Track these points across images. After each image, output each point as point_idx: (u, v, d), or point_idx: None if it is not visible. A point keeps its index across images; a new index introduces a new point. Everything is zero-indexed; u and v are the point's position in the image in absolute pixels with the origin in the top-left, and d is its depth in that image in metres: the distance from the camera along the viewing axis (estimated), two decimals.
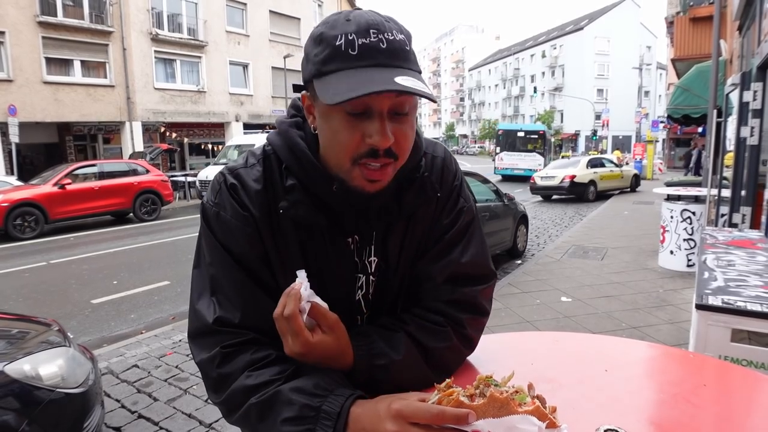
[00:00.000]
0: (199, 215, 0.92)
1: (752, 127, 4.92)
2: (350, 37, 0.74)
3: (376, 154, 0.76)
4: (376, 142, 0.75)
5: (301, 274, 0.78)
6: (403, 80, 0.73)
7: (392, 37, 0.75)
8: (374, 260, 0.92)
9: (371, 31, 0.74)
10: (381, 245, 0.92)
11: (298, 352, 0.77)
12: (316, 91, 0.77)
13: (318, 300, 0.78)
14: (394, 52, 0.75)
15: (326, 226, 0.86)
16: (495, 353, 1.01)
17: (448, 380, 0.70)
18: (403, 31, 0.78)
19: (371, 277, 0.93)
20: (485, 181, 7.44)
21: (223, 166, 0.92)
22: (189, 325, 0.87)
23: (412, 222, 0.93)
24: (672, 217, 6.19)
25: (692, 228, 6.04)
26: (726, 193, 6.08)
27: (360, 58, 0.74)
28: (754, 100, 4.87)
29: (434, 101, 0.78)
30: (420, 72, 0.80)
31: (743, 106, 5.07)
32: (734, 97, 5.59)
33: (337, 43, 0.74)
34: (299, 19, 27.07)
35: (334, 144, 0.79)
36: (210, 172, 16.17)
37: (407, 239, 0.94)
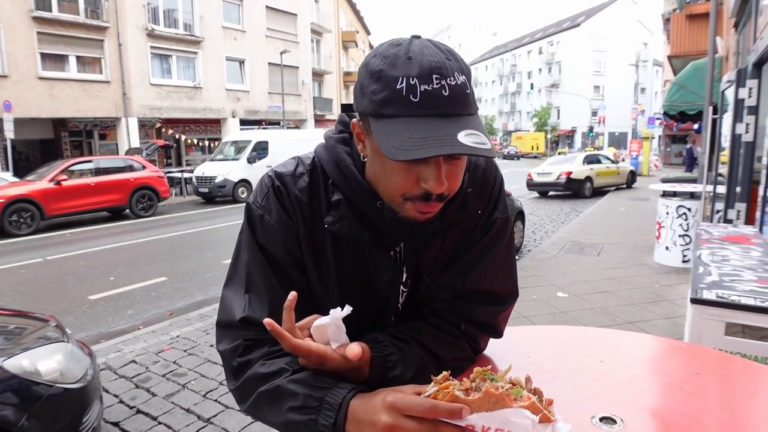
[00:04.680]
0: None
1: (747, 124, 4.94)
2: (412, 82, 0.71)
3: (429, 197, 0.76)
4: (431, 187, 0.74)
5: (336, 312, 0.77)
6: (467, 137, 0.71)
7: (454, 82, 0.73)
8: (408, 271, 0.93)
9: (434, 76, 0.72)
10: (416, 257, 0.92)
11: (312, 366, 0.78)
12: (371, 129, 0.76)
13: (345, 339, 0.78)
14: (456, 99, 0.73)
15: (369, 241, 0.87)
16: (492, 347, 1.03)
17: (444, 373, 0.71)
18: (464, 71, 0.75)
19: (402, 287, 0.94)
20: None
21: (271, 168, 0.93)
22: (219, 312, 0.91)
23: (448, 235, 0.94)
24: (667, 213, 6.22)
25: (687, 224, 6.07)
26: (721, 189, 6.12)
27: (421, 107, 0.72)
28: (750, 96, 4.90)
29: (493, 157, 0.76)
30: (477, 111, 0.78)
31: (739, 102, 5.10)
32: (730, 93, 5.63)
33: (398, 87, 0.72)
34: (296, 14, 26.99)
35: (387, 183, 0.79)
36: (206, 168, 16.14)
37: (442, 252, 0.94)
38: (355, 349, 0.74)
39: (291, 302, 0.74)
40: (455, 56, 0.76)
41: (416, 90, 0.71)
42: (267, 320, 0.71)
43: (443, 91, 0.72)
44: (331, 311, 0.77)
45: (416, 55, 0.73)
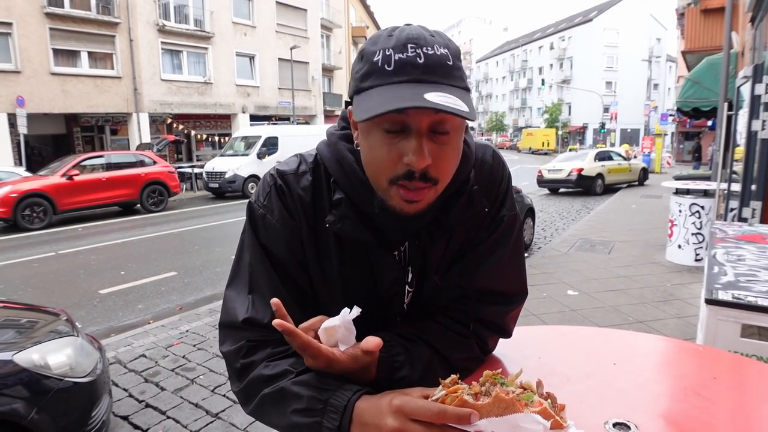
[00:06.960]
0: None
1: (764, 121, 4.85)
2: (387, 53, 0.72)
3: (412, 176, 0.73)
4: (411, 161, 0.72)
5: (345, 314, 0.75)
6: (435, 96, 0.69)
7: (431, 52, 0.72)
8: (414, 271, 0.91)
9: (409, 45, 0.72)
10: (422, 257, 0.90)
11: (319, 368, 0.75)
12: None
13: (353, 341, 0.76)
14: (432, 67, 0.72)
15: (371, 241, 0.84)
16: (502, 347, 1.00)
17: (453, 376, 0.69)
18: (448, 46, 0.74)
19: (407, 287, 0.92)
20: None
21: (274, 166, 0.91)
22: (221, 313, 0.90)
23: (454, 234, 0.91)
24: (680, 211, 6.14)
25: (701, 222, 5.99)
26: (736, 187, 6.01)
27: (395, 74, 0.71)
28: (766, 93, 4.80)
29: (469, 119, 0.72)
30: (466, 89, 0.76)
31: (755, 99, 5.00)
32: (745, 90, 5.52)
33: (375, 59, 0.73)
34: (306, 10, 26.98)
35: (371, 162, 0.77)
36: (217, 164, 16.22)
37: (448, 251, 0.92)
38: (373, 340, 0.72)
39: (280, 311, 0.71)
40: (441, 35, 0.76)
41: (391, 59, 0.72)
42: (276, 321, 0.69)
43: (418, 59, 0.72)
44: (341, 312, 0.75)
45: (397, 32, 0.74)
